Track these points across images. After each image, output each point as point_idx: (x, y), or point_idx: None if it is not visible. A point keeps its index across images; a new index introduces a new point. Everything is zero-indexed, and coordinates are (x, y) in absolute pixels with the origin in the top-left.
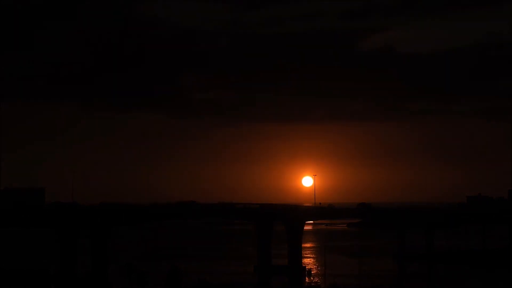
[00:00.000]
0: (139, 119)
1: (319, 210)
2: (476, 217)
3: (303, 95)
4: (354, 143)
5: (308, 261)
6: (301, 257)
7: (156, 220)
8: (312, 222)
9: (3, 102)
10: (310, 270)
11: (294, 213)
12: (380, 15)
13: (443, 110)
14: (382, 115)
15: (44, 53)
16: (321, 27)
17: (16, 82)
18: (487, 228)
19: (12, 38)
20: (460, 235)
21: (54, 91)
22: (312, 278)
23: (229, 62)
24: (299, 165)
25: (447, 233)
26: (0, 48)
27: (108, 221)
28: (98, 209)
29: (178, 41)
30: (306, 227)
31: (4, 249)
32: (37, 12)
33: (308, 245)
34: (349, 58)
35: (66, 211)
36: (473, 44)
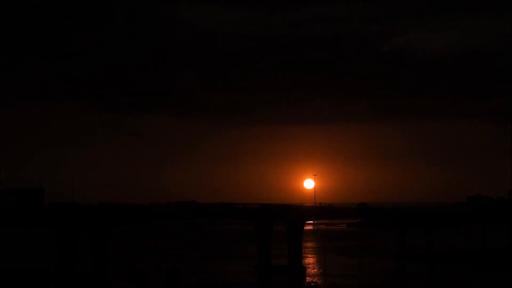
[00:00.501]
0: (144, 119)
1: (319, 210)
2: (476, 217)
3: (310, 97)
4: (356, 144)
5: (309, 261)
6: (301, 257)
7: (156, 220)
8: (312, 222)
9: (4, 102)
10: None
11: (294, 213)
12: (401, 18)
13: (447, 111)
14: (385, 117)
15: (46, 53)
16: (342, 30)
17: (17, 82)
18: (487, 228)
19: (13, 38)
20: (460, 235)
21: (57, 91)
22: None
23: (244, 64)
24: (302, 166)
25: (447, 233)
26: (1, 49)
27: (108, 221)
28: (98, 209)
29: (195, 42)
30: (306, 227)
31: (4, 249)
32: (37, 11)
33: (308, 245)
34: (363, 61)
35: (66, 211)
36: (484, 47)
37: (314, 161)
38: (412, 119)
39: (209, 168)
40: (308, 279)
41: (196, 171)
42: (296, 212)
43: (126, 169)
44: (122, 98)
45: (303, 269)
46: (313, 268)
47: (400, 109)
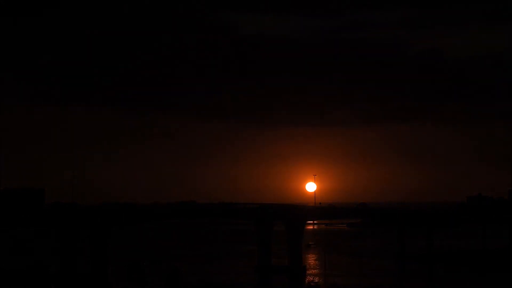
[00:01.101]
0: (146, 121)
1: (319, 210)
2: (476, 217)
3: (319, 100)
4: (358, 145)
5: (309, 261)
6: (301, 257)
7: (156, 220)
8: (312, 222)
9: (4, 102)
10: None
11: (294, 213)
12: (431, 21)
13: (448, 113)
14: (386, 119)
15: (49, 54)
16: (371, 35)
17: (17, 83)
18: (487, 228)
19: (14, 40)
20: (460, 235)
21: (57, 92)
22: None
23: (246, 66)
24: (304, 167)
25: (447, 233)
26: (1, 49)
27: (108, 221)
28: (98, 209)
29: (221, 45)
30: (306, 227)
31: (4, 249)
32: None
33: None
34: (362, 66)
35: (66, 211)
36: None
37: (316, 162)
38: (413, 121)
39: (210, 169)
40: (308, 279)
41: (198, 172)
42: (296, 212)
43: (128, 170)
44: (123, 99)
45: (303, 269)
46: (313, 268)
47: (400, 112)
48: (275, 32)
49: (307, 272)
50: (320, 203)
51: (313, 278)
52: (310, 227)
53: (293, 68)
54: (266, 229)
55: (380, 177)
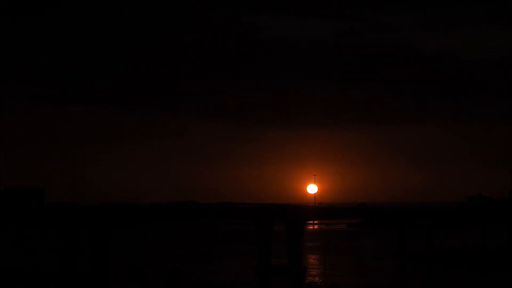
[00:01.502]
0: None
1: (319, 210)
2: (476, 217)
3: (319, 100)
4: (358, 145)
5: (309, 261)
6: (301, 257)
7: (156, 220)
8: (312, 222)
9: (4, 102)
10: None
11: (294, 213)
12: (431, 22)
13: (447, 114)
14: (388, 118)
15: (49, 54)
16: (372, 36)
17: (17, 83)
18: (487, 228)
19: (14, 40)
20: (460, 235)
21: (62, 93)
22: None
23: (246, 67)
24: (305, 168)
25: (447, 233)
26: (1, 49)
27: (108, 222)
28: (98, 209)
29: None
30: (306, 227)
31: (4, 249)
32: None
33: (308, 245)
34: (362, 67)
35: (66, 211)
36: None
37: (317, 163)
38: (413, 121)
39: (210, 169)
40: (308, 279)
41: (198, 172)
42: (296, 212)
43: (128, 170)
44: (123, 99)
45: (303, 269)
46: (313, 268)
47: (400, 112)
48: (276, 32)
49: (307, 272)
50: (320, 203)
51: (313, 278)
52: (310, 227)
53: (293, 68)
54: (266, 229)
55: (380, 177)
